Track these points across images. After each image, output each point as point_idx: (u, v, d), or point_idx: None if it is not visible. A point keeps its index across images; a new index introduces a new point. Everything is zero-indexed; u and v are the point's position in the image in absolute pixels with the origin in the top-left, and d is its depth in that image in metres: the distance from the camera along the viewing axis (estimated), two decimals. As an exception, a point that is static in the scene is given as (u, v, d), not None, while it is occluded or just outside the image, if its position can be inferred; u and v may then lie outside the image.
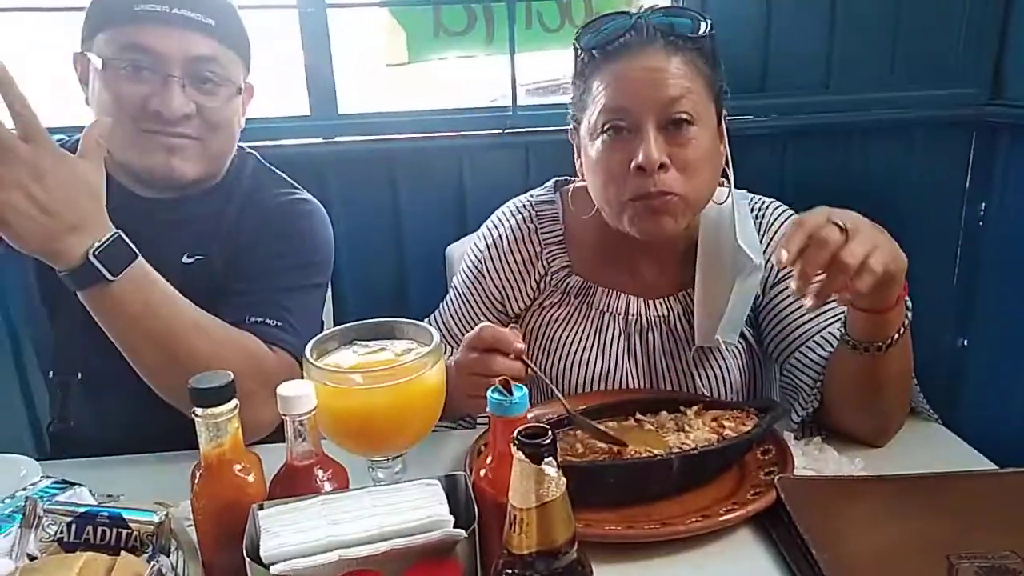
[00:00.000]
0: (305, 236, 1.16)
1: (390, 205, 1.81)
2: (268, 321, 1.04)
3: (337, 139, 1.80)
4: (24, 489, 0.91)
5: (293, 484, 0.73)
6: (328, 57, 1.74)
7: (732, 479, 0.91)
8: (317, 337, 0.86)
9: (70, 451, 1.11)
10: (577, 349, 1.15)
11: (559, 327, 1.16)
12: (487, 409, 0.70)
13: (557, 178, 1.25)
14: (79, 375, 1.15)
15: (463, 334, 1.02)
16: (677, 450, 0.89)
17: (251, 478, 0.72)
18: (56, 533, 0.74)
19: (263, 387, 0.87)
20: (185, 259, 1.13)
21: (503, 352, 0.91)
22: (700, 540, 0.82)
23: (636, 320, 1.14)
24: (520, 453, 0.58)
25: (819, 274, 0.81)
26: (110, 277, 0.89)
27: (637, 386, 1.14)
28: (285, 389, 0.71)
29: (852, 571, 0.74)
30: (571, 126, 1.13)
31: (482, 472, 0.71)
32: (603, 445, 0.91)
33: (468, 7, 1.84)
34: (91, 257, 0.88)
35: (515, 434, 0.59)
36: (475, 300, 1.22)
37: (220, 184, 1.17)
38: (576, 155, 1.14)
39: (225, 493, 0.71)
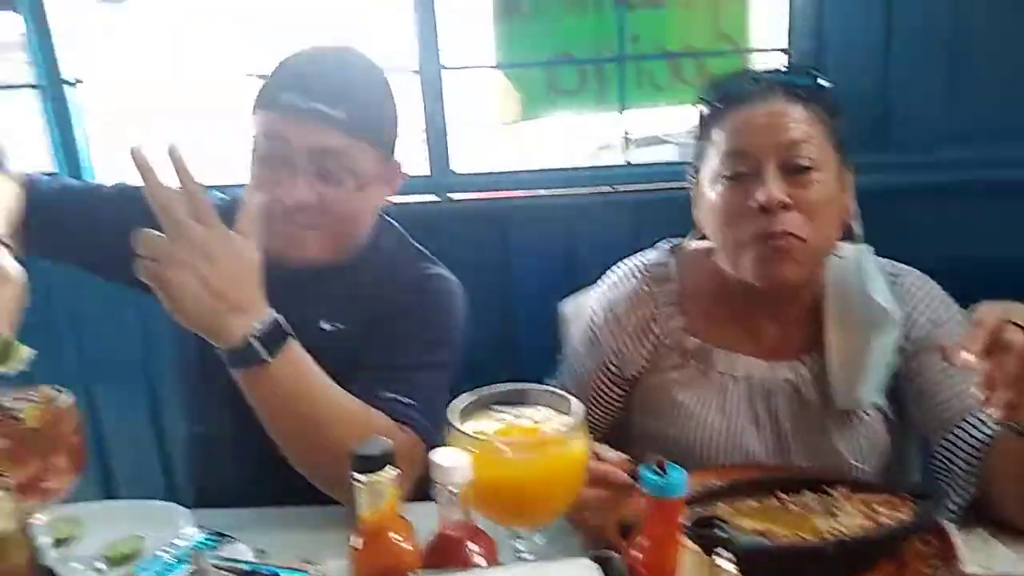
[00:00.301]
0: (441, 313, 1.18)
1: (500, 261, 1.84)
2: (400, 399, 1.05)
3: (450, 196, 1.85)
4: (179, 538, 0.95)
5: (445, 554, 0.73)
6: (442, 117, 1.80)
7: (890, 572, 0.86)
8: (455, 401, 0.86)
9: (207, 501, 1.15)
10: (699, 412, 1.12)
11: (679, 389, 1.14)
12: (645, 489, 0.69)
13: (671, 239, 1.24)
14: (221, 428, 1.19)
15: (581, 400, 0.97)
16: (830, 536, 0.84)
17: (407, 545, 0.73)
18: (215, 589, 0.77)
19: None
20: (323, 325, 1.16)
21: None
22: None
23: (760, 384, 1.11)
24: (693, 543, 0.57)
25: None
26: (268, 359, 0.92)
27: (764, 453, 1.10)
28: (440, 458, 0.72)
29: None
30: (692, 179, 1.14)
31: (637, 554, 0.70)
32: (748, 525, 0.88)
33: (581, 67, 1.88)
34: (251, 339, 0.91)
35: (685, 523, 0.58)
36: (591, 366, 1.21)
37: (358, 257, 1.20)
38: (694, 206, 1.14)
39: (383, 559, 0.72)
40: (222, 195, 1.20)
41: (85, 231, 1.19)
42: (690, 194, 1.15)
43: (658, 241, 1.25)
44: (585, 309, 1.26)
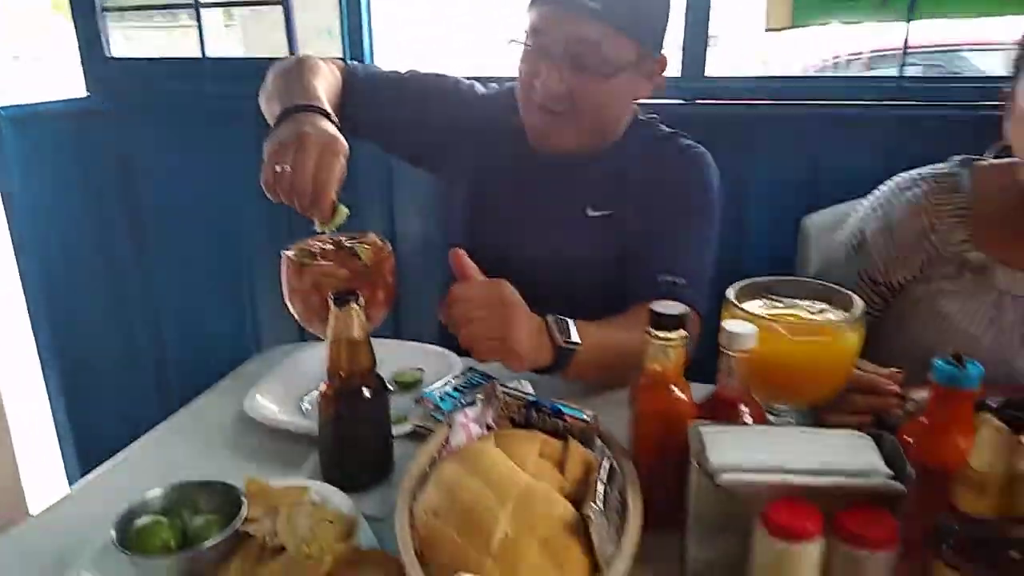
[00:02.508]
0: (705, 185, 1.25)
1: (742, 170, 1.83)
2: (675, 280, 1.13)
3: (699, 101, 1.85)
4: (453, 376, 1.11)
5: (718, 411, 0.81)
6: (705, 20, 1.78)
7: None
8: (734, 284, 0.93)
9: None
10: (967, 325, 1.10)
11: (948, 300, 1.12)
12: (931, 376, 0.72)
13: (963, 156, 1.20)
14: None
15: None
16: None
17: (684, 396, 0.81)
18: (509, 413, 0.90)
19: None
20: (590, 212, 1.26)
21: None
22: None
23: None
24: (1001, 422, 0.60)
25: None
26: (575, 346, 1.01)
27: None
28: (730, 325, 0.79)
29: None
30: (1006, 88, 1.09)
31: (913, 437, 0.74)
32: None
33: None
34: (563, 344, 1.00)
35: (990, 402, 0.61)
36: (854, 270, 1.21)
37: (618, 145, 1.28)
38: (1007, 116, 1.09)
39: (663, 407, 0.81)
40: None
41: (389, 114, 1.36)
42: (1003, 104, 1.10)
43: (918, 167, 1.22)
44: (845, 218, 1.26)
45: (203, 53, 2.06)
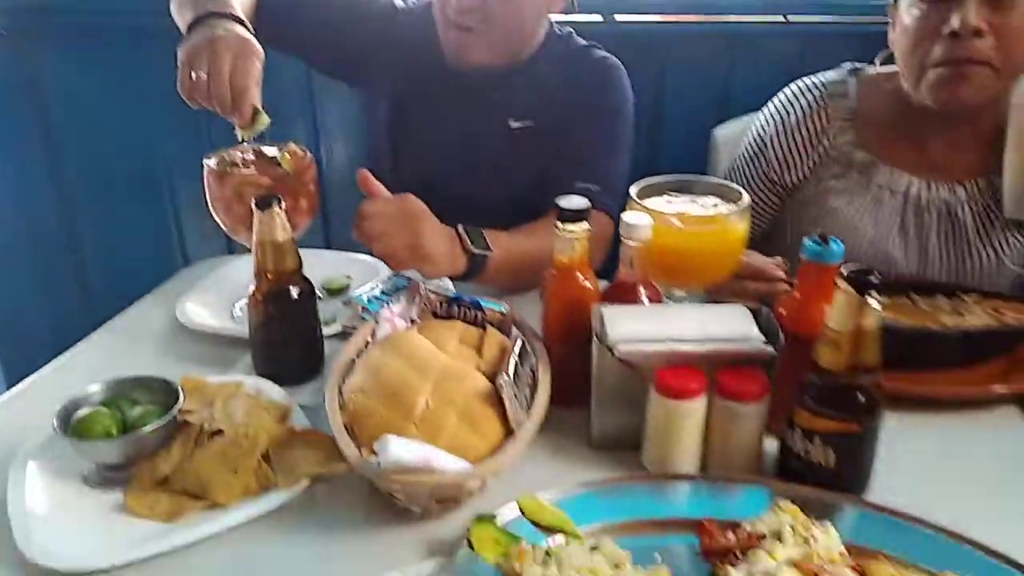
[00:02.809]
0: (620, 96, 1.31)
1: (657, 85, 1.90)
2: (590, 187, 1.19)
3: (616, 18, 1.89)
4: (386, 281, 1.17)
5: (621, 295, 0.89)
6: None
7: (1003, 365, 0.96)
8: (638, 184, 1.00)
9: None
10: (851, 218, 1.21)
11: (835, 196, 1.23)
12: (801, 254, 0.82)
13: (853, 64, 1.30)
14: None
15: None
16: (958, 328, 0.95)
17: (590, 285, 0.89)
18: (432, 308, 0.97)
19: None
20: (512, 124, 1.30)
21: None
22: (967, 406, 0.91)
23: (915, 201, 1.19)
24: (850, 285, 0.69)
25: None
26: (488, 253, 1.07)
27: (905, 265, 1.20)
28: (628, 217, 0.86)
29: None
30: (893, 2, 1.17)
31: (783, 309, 0.84)
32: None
33: None
34: (475, 252, 1.06)
35: (845, 269, 0.70)
36: (754, 172, 1.32)
37: (535, 59, 1.31)
38: (892, 27, 1.18)
39: (570, 294, 0.89)
40: None
41: (308, 25, 1.35)
42: (889, 16, 1.18)
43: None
44: (748, 127, 1.35)
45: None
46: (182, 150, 1.96)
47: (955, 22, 1.01)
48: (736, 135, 1.61)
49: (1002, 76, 1.06)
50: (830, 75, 1.28)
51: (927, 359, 0.94)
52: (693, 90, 1.87)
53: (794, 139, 1.26)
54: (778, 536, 0.66)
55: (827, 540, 0.66)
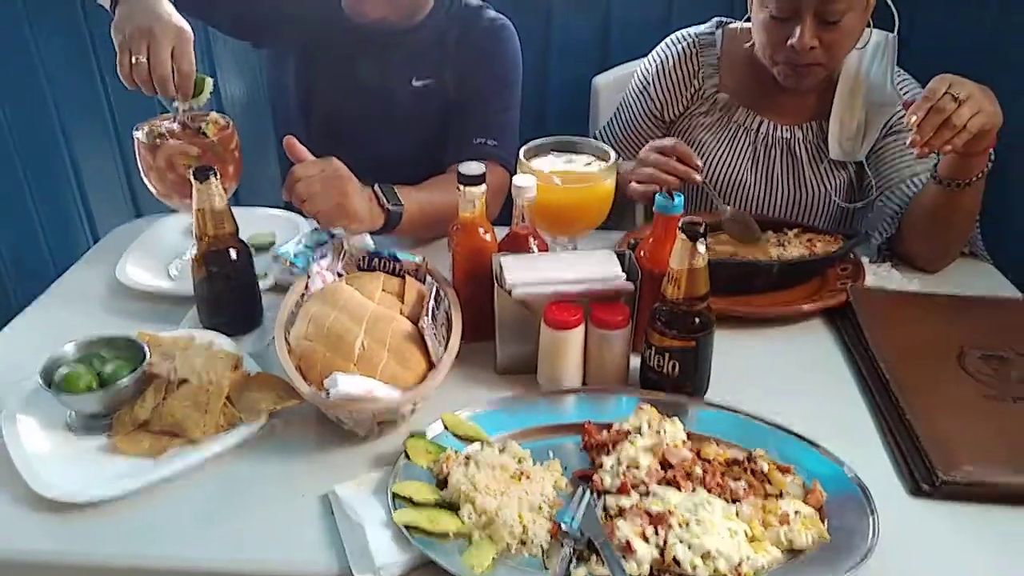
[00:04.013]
0: (512, 56, 1.45)
1: (542, 35, 2.02)
2: (487, 142, 1.35)
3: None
4: (308, 235, 1.30)
5: (514, 244, 1.08)
6: None
7: (816, 285, 1.22)
8: (526, 146, 1.18)
9: None
10: (714, 148, 1.46)
11: (703, 131, 1.47)
12: (654, 208, 1.02)
13: (720, 18, 1.51)
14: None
15: (626, 139, 1.49)
16: (777, 260, 1.20)
17: (489, 237, 1.08)
18: (355, 262, 1.13)
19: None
20: (415, 82, 1.43)
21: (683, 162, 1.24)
22: (784, 321, 1.16)
23: (765, 138, 1.43)
24: (683, 234, 0.90)
25: None
26: (404, 206, 1.20)
27: (755, 189, 1.44)
28: (518, 180, 1.05)
29: (892, 349, 1.06)
30: None
31: (642, 252, 1.05)
32: (728, 248, 1.24)
33: None
34: (390, 208, 1.19)
35: (681, 221, 0.91)
36: (640, 109, 1.53)
37: (432, 16, 1.43)
38: (750, 7, 1.37)
39: (473, 245, 1.07)
40: None
41: None
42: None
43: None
44: (633, 72, 1.56)
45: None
46: (80, 118, 1.95)
47: (794, 40, 1.24)
48: (612, 83, 1.79)
49: (830, 68, 1.32)
50: (702, 28, 1.50)
51: (755, 285, 1.19)
52: (575, 39, 2.02)
53: (671, 79, 1.48)
54: (639, 431, 0.89)
55: (674, 431, 0.89)
